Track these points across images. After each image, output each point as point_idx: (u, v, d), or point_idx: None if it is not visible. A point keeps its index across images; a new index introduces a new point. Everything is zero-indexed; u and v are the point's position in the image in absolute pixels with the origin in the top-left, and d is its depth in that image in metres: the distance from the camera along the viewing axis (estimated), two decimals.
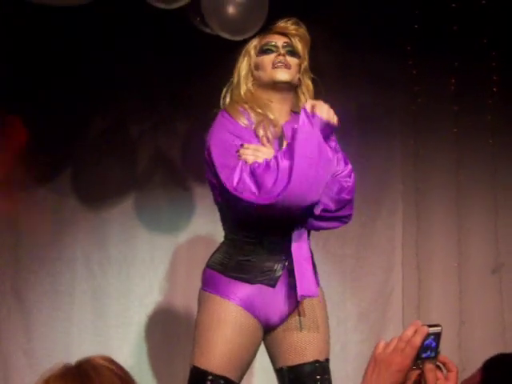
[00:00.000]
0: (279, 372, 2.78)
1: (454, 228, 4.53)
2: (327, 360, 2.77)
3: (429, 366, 1.44)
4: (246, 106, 2.77)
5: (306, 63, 2.85)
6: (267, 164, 2.56)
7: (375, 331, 4.38)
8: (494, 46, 4.47)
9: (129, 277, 4.32)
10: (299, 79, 2.84)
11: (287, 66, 2.78)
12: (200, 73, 4.11)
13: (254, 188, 2.55)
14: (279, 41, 2.82)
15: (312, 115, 2.59)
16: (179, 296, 4.32)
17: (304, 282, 2.67)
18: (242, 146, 2.65)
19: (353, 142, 4.38)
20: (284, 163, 2.54)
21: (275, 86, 2.78)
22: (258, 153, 2.63)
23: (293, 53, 2.81)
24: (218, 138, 2.69)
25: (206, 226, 4.28)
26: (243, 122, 2.73)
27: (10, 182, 4.19)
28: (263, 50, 2.82)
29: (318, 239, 4.28)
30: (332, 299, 4.16)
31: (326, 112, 2.61)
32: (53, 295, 4.21)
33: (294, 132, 2.58)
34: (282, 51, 2.79)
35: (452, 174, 4.55)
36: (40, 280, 4.20)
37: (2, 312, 4.13)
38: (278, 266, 2.72)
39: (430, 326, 1.44)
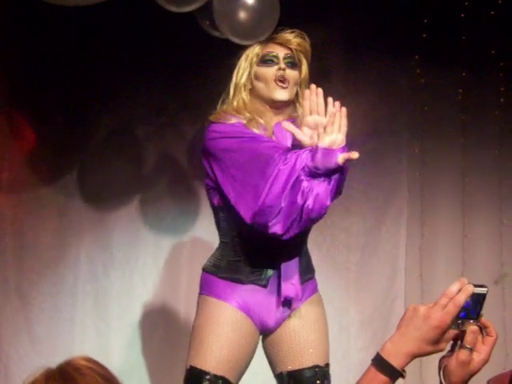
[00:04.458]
0: (279, 377, 2.77)
1: (458, 237, 4.53)
2: (327, 365, 2.76)
3: (472, 328, 1.39)
4: (234, 113, 2.76)
5: (305, 75, 2.84)
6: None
7: (377, 339, 4.36)
8: (502, 57, 4.48)
9: (132, 279, 4.32)
10: (297, 90, 2.83)
11: (287, 83, 2.77)
12: (207, 75, 4.10)
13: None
14: (281, 52, 2.81)
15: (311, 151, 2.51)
16: (182, 299, 4.32)
17: (287, 283, 2.66)
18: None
19: (358, 150, 4.38)
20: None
21: (273, 102, 2.78)
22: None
23: (293, 65, 2.81)
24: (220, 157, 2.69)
25: (210, 229, 4.23)
26: (232, 121, 2.72)
27: (16, 184, 4.20)
28: (264, 60, 2.81)
29: (322, 246, 4.29)
30: (335, 306, 4.18)
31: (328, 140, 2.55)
32: (56, 296, 4.22)
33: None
34: (283, 65, 2.78)
35: (457, 183, 4.56)
36: (43, 281, 4.20)
37: (5, 311, 4.13)
38: (268, 266, 2.71)
39: (476, 285, 1.38)
